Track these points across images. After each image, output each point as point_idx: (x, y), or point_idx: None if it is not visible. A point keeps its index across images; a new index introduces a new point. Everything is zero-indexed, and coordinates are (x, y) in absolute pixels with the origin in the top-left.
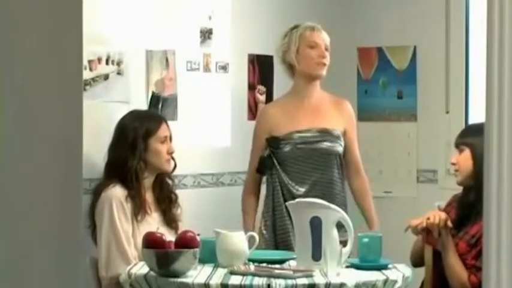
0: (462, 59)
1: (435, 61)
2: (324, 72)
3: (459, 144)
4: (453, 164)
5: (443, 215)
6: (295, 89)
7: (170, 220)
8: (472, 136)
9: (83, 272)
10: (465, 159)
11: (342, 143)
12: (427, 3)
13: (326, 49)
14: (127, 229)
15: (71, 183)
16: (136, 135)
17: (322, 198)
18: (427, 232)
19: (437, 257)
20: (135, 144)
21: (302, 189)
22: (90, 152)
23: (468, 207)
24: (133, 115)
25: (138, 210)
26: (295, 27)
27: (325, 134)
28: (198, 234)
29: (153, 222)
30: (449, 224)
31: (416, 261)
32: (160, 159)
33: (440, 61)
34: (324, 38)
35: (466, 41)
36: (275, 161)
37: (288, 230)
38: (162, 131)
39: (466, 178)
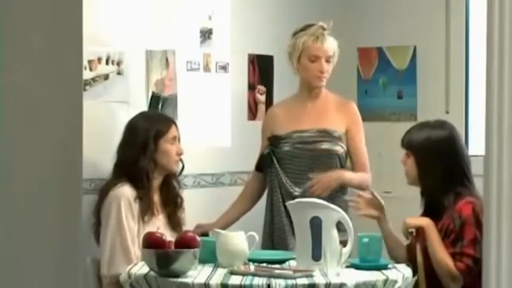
0: (462, 59)
1: (435, 61)
2: (322, 83)
3: (404, 147)
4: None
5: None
6: (299, 91)
7: (175, 224)
8: (413, 140)
9: (83, 272)
10: (410, 165)
11: (344, 145)
12: (427, 3)
13: (327, 60)
14: (133, 229)
15: (71, 183)
16: (148, 136)
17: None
18: (416, 232)
19: (427, 256)
20: (146, 144)
21: (299, 190)
22: (90, 152)
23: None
24: (144, 116)
25: (146, 211)
26: (309, 26)
27: (325, 134)
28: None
29: (159, 224)
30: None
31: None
32: (169, 160)
33: (440, 61)
34: (326, 49)
35: (466, 41)
36: (275, 160)
37: (284, 229)
38: (172, 132)
39: (414, 182)
